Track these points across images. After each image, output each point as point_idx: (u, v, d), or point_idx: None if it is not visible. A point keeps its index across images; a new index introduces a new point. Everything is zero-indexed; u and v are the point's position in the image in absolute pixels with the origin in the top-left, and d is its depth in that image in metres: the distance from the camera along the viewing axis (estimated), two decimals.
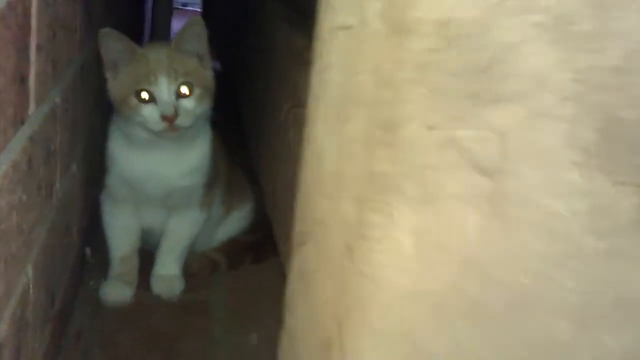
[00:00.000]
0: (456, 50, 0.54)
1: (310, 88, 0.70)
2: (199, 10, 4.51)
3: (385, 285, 0.59)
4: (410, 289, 0.59)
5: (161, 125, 1.39)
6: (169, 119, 1.38)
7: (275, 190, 1.40)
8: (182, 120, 1.40)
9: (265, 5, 1.85)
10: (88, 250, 1.70)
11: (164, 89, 1.39)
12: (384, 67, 0.57)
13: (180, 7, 4.75)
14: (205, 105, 1.45)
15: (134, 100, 1.39)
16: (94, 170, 1.64)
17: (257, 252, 1.81)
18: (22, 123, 0.90)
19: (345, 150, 0.61)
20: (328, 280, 0.62)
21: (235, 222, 1.81)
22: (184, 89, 1.41)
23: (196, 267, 1.72)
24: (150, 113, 1.39)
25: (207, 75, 1.47)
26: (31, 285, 1.03)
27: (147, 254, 1.67)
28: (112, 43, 1.40)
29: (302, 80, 1.17)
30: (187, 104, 1.42)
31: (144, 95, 1.39)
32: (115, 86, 1.43)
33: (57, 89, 1.15)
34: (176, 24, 3.52)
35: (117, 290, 1.57)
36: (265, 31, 1.77)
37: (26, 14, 0.85)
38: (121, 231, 1.60)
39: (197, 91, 1.42)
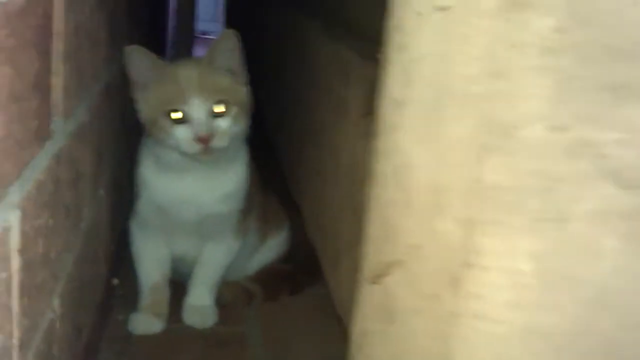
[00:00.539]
0: (591, 31, 0.43)
1: (385, 91, 0.59)
2: None
3: (499, 324, 0.47)
4: (530, 327, 0.47)
5: (195, 148, 1.29)
6: (204, 140, 1.27)
7: (320, 214, 1.29)
8: (218, 141, 1.29)
9: (302, 23, 1.75)
10: (115, 281, 1.60)
11: (196, 108, 1.29)
12: (497, 54, 0.46)
13: (199, 35, 4.69)
14: (242, 124, 1.35)
15: (165, 121, 1.29)
16: (121, 196, 1.55)
17: (294, 282, 1.71)
18: (47, 139, 0.80)
19: (445, 160, 0.50)
20: (423, 319, 0.51)
21: (271, 250, 1.70)
22: (219, 107, 1.31)
23: (230, 297, 1.61)
24: (183, 134, 1.29)
25: (242, 91, 1.36)
26: (57, 320, 0.92)
27: (177, 285, 1.56)
28: (140, 60, 1.30)
29: (350, 93, 1.07)
30: (223, 123, 1.31)
31: (176, 115, 1.28)
32: (145, 107, 1.32)
33: (84, 105, 1.05)
34: (196, 52, 3.45)
35: (146, 323, 1.47)
36: (302, 49, 1.67)
37: (47, 14, 0.75)
38: (152, 260, 1.50)
39: (233, 109, 1.32)
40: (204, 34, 4.70)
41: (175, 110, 1.29)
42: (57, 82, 0.82)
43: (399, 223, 0.55)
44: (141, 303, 1.49)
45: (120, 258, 1.58)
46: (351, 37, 1.23)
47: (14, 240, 0.67)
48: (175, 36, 3.37)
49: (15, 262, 0.69)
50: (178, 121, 1.29)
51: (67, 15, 0.83)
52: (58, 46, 0.80)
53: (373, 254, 0.60)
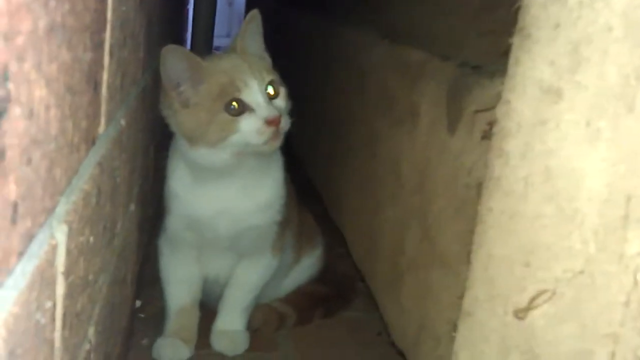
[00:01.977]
0: None
1: (523, 77, 0.48)
2: None
3: None
4: None
5: (267, 134, 1.19)
6: (275, 122, 1.19)
7: (373, 232, 1.18)
8: (284, 122, 1.21)
9: (339, 29, 1.66)
10: (138, 303, 1.50)
11: (257, 92, 1.20)
12: None
13: (214, 51, 4.64)
14: (289, 106, 1.26)
15: (225, 117, 1.19)
16: (147, 211, 1.44)
17: (328, 305, 1.61)
18: (94, 143, 0.69)
19: (636, 160, 0.38)
20: None
21: (305, 269, 1.62)
22: (271, 89, 1.24)
23: (261, 320, 1.52)
24: (250, 124, 1.19)
25: (276, 73, 1.29)
26: (92, 350, 0.81)
27: (206, 308, 1.46)
28: (179, 61, 1.19)
29: (420, 99, 0.96)
30: (280, 103, 1.25)
31: (236, 106, 1.18)
32: (190, 114, 1.21)
33: (123, 110, 0.94)
34: None
35: (173, 349, 1.37)
36: (343, 55, 1.57)
37: (103, 0, 0.65)
38: (181, 281, 1.40)
39: (281, 90, 1.26)
40: (217, 49, 4.64)
41: (234, 101, 1.19)
42: (105, 78, 0.71)
43: (553, 242, 0.44)
44: (167, 327, 1.40)
45: (141, 277, 1.48)
46: (409, 37, 1.13)
47: (60, 261, 0.57)
48: (193, 50, 3.30)
49: (61, 288, 0.58)
50: (239, 113, 1.19)
51: (118, 4, 0.73)
52: (109, 39, 0.70)
53: (504, 280, 0.49)
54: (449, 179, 0.82)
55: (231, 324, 1.44)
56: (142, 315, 1.52)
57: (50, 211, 0.50)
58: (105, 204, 0.81)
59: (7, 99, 0.36)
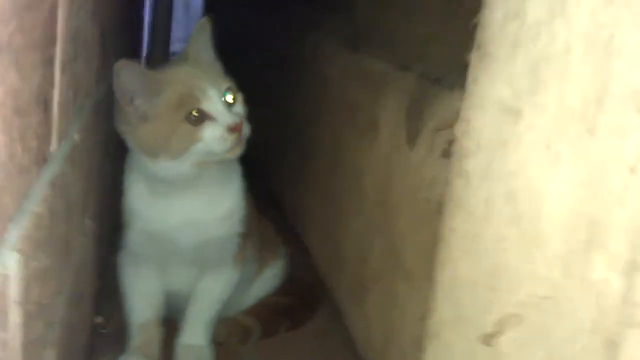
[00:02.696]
0: None
1: (482, 95, 0.47)
2: None
3: None
4: None
5: (229, 141, 1.18)
6: (238, 128, 1.17)
7: (337, 243, 1.17)
8: (245, 129, 1.20)
9: (306, 36, 1.64)
10: (100, 319, 1.47)
11: (217, 100, 1.19)
12: None
13: (172, 55, 4.59)
14: (246, 112, 1.25)
15: (186, 127, 1.17)
16: (104, 224, 1.41)
17: (294, 316, 1.59)
18: (45, 162, 0.67)
19: (599, 184, 0.38)
20: None
21: (268, 280, 1.59)
22: (229, 96, 1.22)
23: (225, 334, 1.49)
24: (212, 132, 1.18)
25: (231, 78, 1.27)
26: None
27: (168, 323, 1.43)
28: (133, 76, 1.16)
29: (381, 111, 0.96)
30: (239, 109, 1.23)
31: (196, 116, 1.17)
32: (150, 128, 1.19)
33: (76, 125, 0.92)
34: None
35: None
36: (307, 64, 1.55)
37: (53, 11, 0.63)
38: (142, 296, 1.37)
39: (238, 96, 1.24)
40: (174, 53, 4.59)
41: (194, 110, 1.17)
42: (56, 95, 0.69)
43: (517, 266, 0.44)
44: (130, 343, 1.36)
45: (101, 292, 1.45)
46: (371, 46, 1.12)
47: (13, 291, 0.54)
48: (150, 55, 3.25)
49: (15, 317, 0.56)
50: (200, 122, 1.17)
51: (69, 16, 0.70)
52: (60, 53, 0.68)
53: (470, 302, 0.48)
54: (410, 192, 0.81)
55: (195, 338, 1.41)
56: (104, 331, 1.49)
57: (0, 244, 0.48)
58: (59, 223, 0.79)
59: None
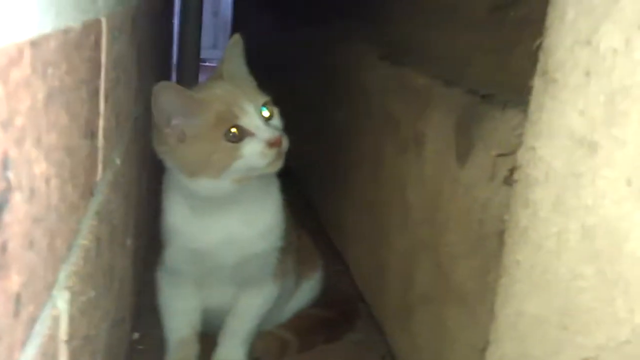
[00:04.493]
0: None
1: (549, 126, 0.45)
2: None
3: None
4: None
5: (270, 155, 1.18)
6: (277, 142, 1.17)
7: (378, 260, 1.15)
8: (285, 142, 1.19)
9: (341, 45, 1.62)
10: (136, 335, 1.46)
11: (255, 116, 1.19)
12: None
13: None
14: (283, 124, 1.25)
15: (226, 145, 1.16)
16: (142, 240, 1.41)
17: (331, 328, 1.57)
18: (92, 194, 0.65)
19: None
20: None
21: (305, 293, 1.57)
22: (266, 111, 1.22)
23: (262, 349, 1.47)
24: (252, 148, 1.17)
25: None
26: None
27: (205, 339, 1.42)
28: (172, 98, 1.16)
29: (426, 126, 0.94)
30: (277, 123, 1.23)
31: (236, 133, 1.17)
32: (188, 148, 1.18)
33: (118, 149, 0.91)
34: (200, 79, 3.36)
35: None
36: (346, 74, 1.53)
37: (98, 43, 0.61)
38: (180, 313, 1.37)
39: (275, 110, 1.24)
40: (203, 61, 4.61)
41: (233, 127, 1.17)
42: (101, 124, 0.68)
43: (594, 307, 0.41)
44: None
45: (138, 307, 1.44)
46: (410, 58, 1.10)
47: (62, 330, 0.53)
48: (180, 63, 3.25)
49: (63, 357, 0.55)
50: (239, 139, 1.17)
51: (111, 44, 0.69)
52: (102, 82, 0.66)
53: (538, 341, 0.46)
54: (461, 212, 0.79)
55: (232, 354, 1.40)
56: (141, 347, 1.48)
57: (51, 285, 0.47)
58: (104, 252, 0.78)
59: (8, 189, 0.33)
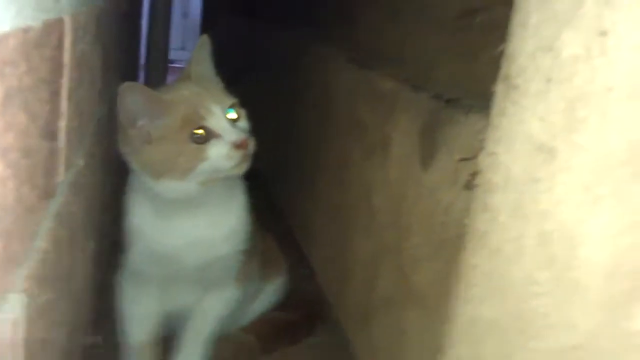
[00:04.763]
0: None
1: (512, 133, 0.45)
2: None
3: None
4: None
5: (235, 157, 1.17)
6: (244, 144, 1.16)
7: (343, 264, 1.15)
8: (251, 145, 1.18)
9: (310, 49, 1.62)
10: (97, 339, 1.44)
11: (221, 117, 1.18)
12: None
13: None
14: (250, 127, 1.24)
15: (191, 147, 1.15)
16: (102, 243, 1.39)
17: (294, 332, 1.56)
18: (52, 196, 0.64)
19: None
20: None
21: (268, 296, 1.57)
22: (233, 113, 1.21)
23: (224, 352, 1.46)
24: (218, 150, 1.16)
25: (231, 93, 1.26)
26: None
27: (167, 342, 1.41)
28: (137, 99, 1.14)
29: (393, 130, 0.94)
30: (244, 125, 1.22)
31: (201, 134, 1.15)
32: (154, 149, 1.17)
33: (81, 150, 0.90)
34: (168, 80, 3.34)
35: None
36: (313, 77, 1.53)
37: (60, 43, 0.60)
38: (141, 316, 1.35)
39: (242, 111, 1.22)
40: (171, 62, 4.57)
41: (200, 128, 1.16)
42: (63, 125, 0.67)
43: (548, 312, 0.42)
44: None
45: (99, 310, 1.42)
46: (377, 62, 1.10)
47: (19, 334, 0.52)
48: (148, 64, 3.22)
49: (19, 358, 0.54)
50: (205, 140, 1.16)
51: (75, 42, 0.68)
52: (65, 82, 0.65)
53: (493, 345, 0.46)
54: (424, 216, 0.79)
55: (193, 357, 1.38)
56: (101, 352, 1.46)
57: (7, 289, 0.46)
58: (63, 254, 0.77)
59: None
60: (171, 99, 1.19)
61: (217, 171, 1.18)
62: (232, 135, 1.17)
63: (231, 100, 1.22)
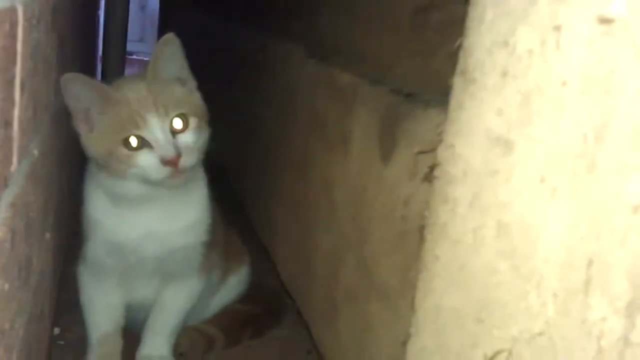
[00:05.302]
0: None
1: (467, 124, 0.46)
2: (146, 59, 4.26)
3: None
4: None
5: (164, 172, 1.15)
6: (173, 162, 1.13)
7: (304, 258, 1.15)
8: (186, 160, 1.16)
9: (269, 43, 1.61)
10: (57, 330, 1.43)
11: (156, 129, 1.14)
12: None
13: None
14: (204, 136, 1.21)
15: (123, 151, 1.14)
16: (62, 234, 1.37)
17: (257, 324, 1.57)
18: (6, 185, 0.63)
19: (600, 222, 0.37)
20: None
21: (231, 289, 1.58)
22: (178, 123, 1.17)
23: (187, 344, 1.47)
24: (147, 161, 1.14)
25: (196, 98, 1.24)
26: None
27: (129, 334, 1.40)
28: (81, 89, 1.14)
29: (352, 124, 0.94)
30: (187, 139, 1.18)
31: (134, 141, 1.13)
32: (95, 140, 1.16)
33: (36, 140, 0.88)
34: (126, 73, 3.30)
35: None
36: (273, 71, 1.53)
37: (13, 32, 0.59)
38: (103, 308, 1.35)
39: (192, 121, 1.19)
40: (130, 54, 4.51)
41: (132, 136, 1.14)
42: (17, 114, 0.65)
43: (508, 301, 0.42)
44: (90, 356, 1.33)
45: (59, 303, 1.40)
46: (337, 57, 1.10)
47: None
48: (105, 56, 3.18)
49: None
50: (138, 148, 1.14)
51: (29, 31, 0.67)
52: (20, 71, 0.64)
53: (455, 334, 0.47)
54: (385, 210, 0.80)
55: (156, 349, 1.38)
56: (62, 343, 1.45)
57: None
58: (19, 244, 0.75)
59: None
60: (114, 96, 1.17)
61: (148, 180, 1.17)
62: (162, 150, 1.14)
63: (181, 109, 1.18)
